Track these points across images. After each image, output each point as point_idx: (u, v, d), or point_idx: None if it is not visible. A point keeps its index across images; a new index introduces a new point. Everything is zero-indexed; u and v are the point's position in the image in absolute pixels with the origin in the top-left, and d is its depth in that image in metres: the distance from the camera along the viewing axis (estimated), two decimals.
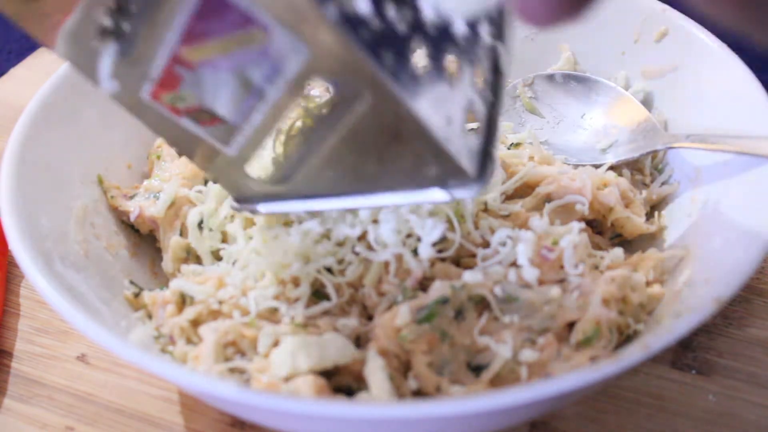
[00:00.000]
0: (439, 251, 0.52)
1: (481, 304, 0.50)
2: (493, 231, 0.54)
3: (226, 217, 0.57)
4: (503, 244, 0.52)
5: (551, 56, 0.70)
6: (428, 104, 0.39)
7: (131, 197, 0.60)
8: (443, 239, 0.52)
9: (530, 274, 0.50)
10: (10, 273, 0.63)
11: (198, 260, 0.58)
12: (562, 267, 0.52)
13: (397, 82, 0.38)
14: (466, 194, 0.42)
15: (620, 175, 0.61)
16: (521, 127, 0.67)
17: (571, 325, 0.50)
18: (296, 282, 0.52)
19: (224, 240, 0.57)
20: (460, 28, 0.41)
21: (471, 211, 0.54)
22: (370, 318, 0.52)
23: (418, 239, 0.51)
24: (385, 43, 0.37)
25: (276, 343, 0.49)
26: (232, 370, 0.48)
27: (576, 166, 0.61)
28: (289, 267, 0.52)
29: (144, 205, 0.59)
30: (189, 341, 0.51)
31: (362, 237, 0.52)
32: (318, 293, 0.52)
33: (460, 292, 0.49)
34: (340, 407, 0.41)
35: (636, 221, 0.58)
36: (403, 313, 0.48)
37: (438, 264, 0.52)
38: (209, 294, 0.52)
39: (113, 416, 0.54)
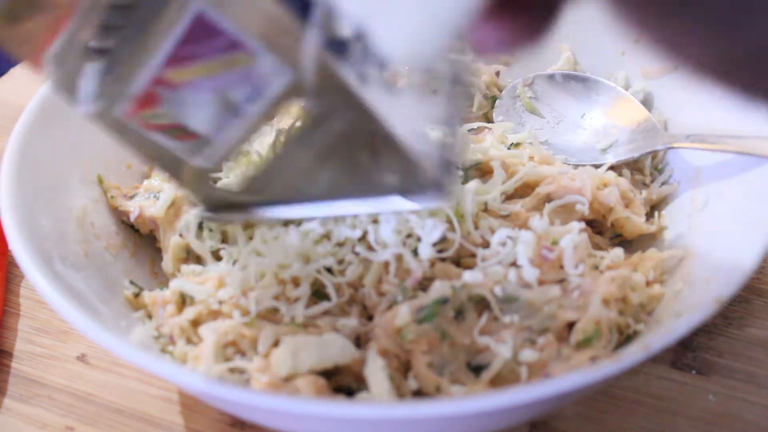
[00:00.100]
0: (439, 251, 0.52)
1: (481, 304, 0.50)
2: (493, 231, 0.54)
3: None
4: (503, 244, 0.52)
5: (551, 56, 0.70)
6: (397, 117, 0.41)
7: (131, 197, 0.60)
8: (443, 239, 0.52)
9: (530, 274, 0.50)
10: (10, 273, 0.63)
11: (198, 260, 0.58)
12: (562, 267, 0.52)
13: (374, 99, 0.39)
14: (428, 203, 0.44)
15: (620, 175, 0.61)
16: (521, 127, 0.67)
17: (571, 325, 0.50)
18: (296, 282, 0.52)
19: (224, 240, 0.57)
20: None
21: (471, 211, 0.54)
22: (370, 318, 0.52)
23: (418, 239, 0.51)
24: (363, 63, 0.38)
25: (276, 343, 0.49)
26: (232, 370, 0.48)
27: (576, 166, 0.61)
28: (289, 267, 0.52)
29: (144, 205, 0.59)
30: (189, 341, 0.51)
31: (362, 237, 0.52)
32: (318, 293, 0.52)
33: (460, 292, 0.49)
34: (340, 407, 0.41)
35: (636, 221, 0.58)
36: (403, 313, 0.48)
37: (438, 264, 0.52)
38: (209, 294, 0.52)
39: (113, 416, 0.54)
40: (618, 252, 0.55)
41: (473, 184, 0.55)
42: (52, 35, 0.41)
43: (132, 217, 0.59)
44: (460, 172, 0.53)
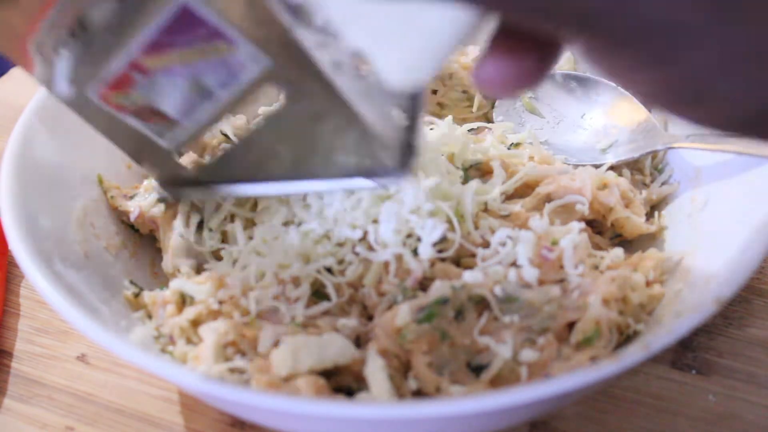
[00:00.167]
0: (439, 251, 0.52)
1: (481, 304, 0.50)
2: (493, 231, 0.54)
3: (225, 217, 0.57)
4: (503, 244, 0.52)
5: None
6: (367, 103, 0.43)
7: (131, 197, 0.60)
8: (443, 239, 0.52)
9: (530, 274, 0.50)
10: (10, 273, 0.63)
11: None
12: (562, 267, 0.52)
13: (344, 85, 0.41)
14: (389, 183, 0.46)
15: (620, 175, 0.61)
16: (521, 127, 0.67)
17: (571, 325, 0.50)
18: (296, 282, 0.52)
19: (224, 240, 0.57)
20: None
21: (471, 211, 0.54)
22: (370, 318, 0.52)
23: (418, 239, 0.51)
24: (335, 52, 0.40)
25: (276, 343, 0.49)
26: (232, 370, 0.48)
27: (576, 166, 0.61)
28: (289, 267, 0.52)
29: (144, 205, 0.59)
30: (189, 341, 0.51)
31: (362, 237, 0.52)
32: (318, 293, 0.52)
33: (460, 292, 0.49)
34: (340, 407, 0.41)
35: (636, 221, 0.58)
36: (403, 313, 0.48)
37: (438, 264, 0.52)
38: (209, 294, 0.52)
39: (113, 416, 0.54)
40: (618, 252, 0.55)
41: (473, 184, 0.55)
42: (33, 24, 0.41)
43: (132, 217, 0.59)
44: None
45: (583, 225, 0.55)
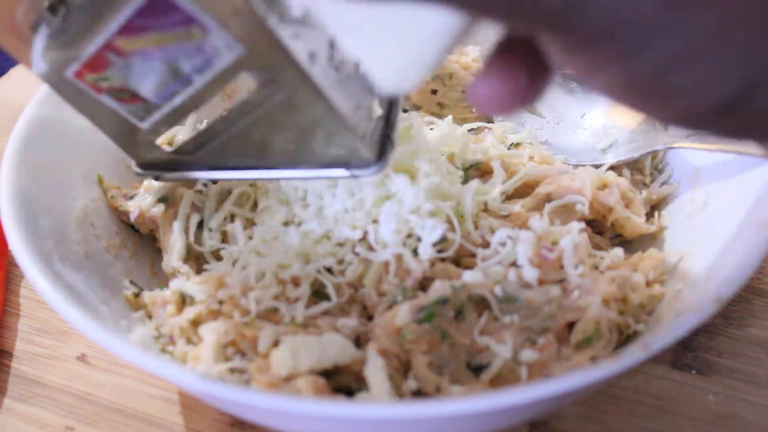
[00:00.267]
0: (439, 251, 0.52)
1: (481, 304, 0.50)
2: (493, 231, 0.54)
3: (225, 217, 0.57)
4: (503, 244, 0.52)
5: None
6: (341, 94, 0.44)
7: (131, 197, 0.60)
8: (443, 239, 0.52)
9: (530, 274, 0.50)
10: (10, 273, 0.63)
11: (198, 260, 0.57)
12: (562, 267, 0.52)
13: (318, 75, 0.42)
14: (365, 174, 0.47)
15: (620, 175, 0.61)
16: (521, 127, 0.67)
17: (571, 325, 0.50)
18: (296, 282, 0.52)
19: (224, 240, 0.57)
20: None
21: (471, 211, 0.54)
22: (370, 318, 0.52)
23: (418, 239, 0.51)
24: (310, 42, 0.41)
25: (276, 343, 0.49)
26: (232, 370, 0.48)
27: (576, 166, 0.61)
28: (289, 267, 0.52)
29: (144, 205, 0.59)
30: (189, 341, 0.51)
31: (362, 237, 0.52)
32: (318, 293, 0.52)
33: (460, 292, 0.49)
34: (340, 407, 0.41)
35: (636, 221, 0.58)
36: (403, 313, 0.48)
37: (438, 264, 0.52)
38: (209, 294, 0.52)
39: (113, 416, 0.54)
40: (618, 252, 0.55)
41: (473, 184, 0.55)
42: (14, 5, 0.42)
43: (132, 217, 0.59)
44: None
45: (583, 225, 0.55)
